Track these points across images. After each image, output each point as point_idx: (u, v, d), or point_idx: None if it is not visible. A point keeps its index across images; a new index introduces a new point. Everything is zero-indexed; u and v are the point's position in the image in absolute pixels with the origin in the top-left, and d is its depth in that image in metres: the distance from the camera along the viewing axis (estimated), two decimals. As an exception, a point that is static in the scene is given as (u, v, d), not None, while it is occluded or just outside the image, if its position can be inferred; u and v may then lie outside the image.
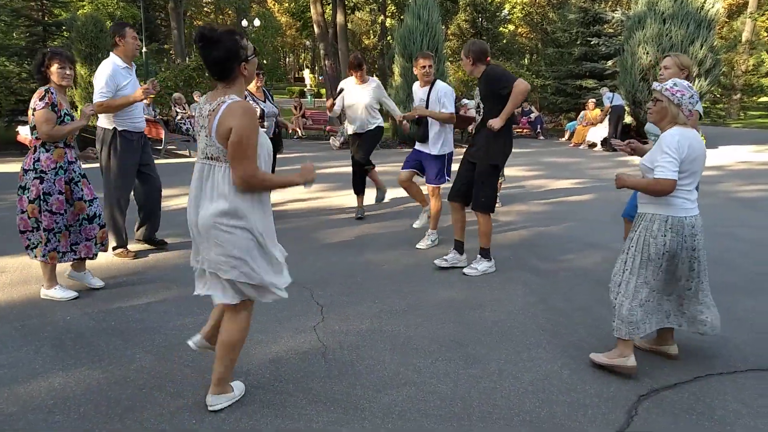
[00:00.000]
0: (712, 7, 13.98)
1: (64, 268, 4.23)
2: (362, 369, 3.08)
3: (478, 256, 4.68)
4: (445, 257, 4.79)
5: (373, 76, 6.47)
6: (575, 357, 3.23)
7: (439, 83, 5.27)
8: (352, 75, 6.21)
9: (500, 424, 2.61)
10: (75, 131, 3.92)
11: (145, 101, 5.24)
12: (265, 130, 5.95)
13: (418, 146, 5.43)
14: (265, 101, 6.07)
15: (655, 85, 2.98)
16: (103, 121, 4.78)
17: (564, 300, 4.12)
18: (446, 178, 5.39)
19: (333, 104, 6.24)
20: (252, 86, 6.02)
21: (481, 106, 4.62)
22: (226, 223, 2.42)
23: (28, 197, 3.81)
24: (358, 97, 6.17)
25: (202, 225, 2.47)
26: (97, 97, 4.61)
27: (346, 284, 4.40)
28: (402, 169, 5.58)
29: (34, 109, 3.78)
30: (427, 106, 5.21)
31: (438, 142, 5.28)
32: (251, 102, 5.83)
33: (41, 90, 3.81)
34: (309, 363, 3.13)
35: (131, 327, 3.56)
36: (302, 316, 3.75)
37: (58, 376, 2.94)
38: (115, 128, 4.73)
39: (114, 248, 4.94)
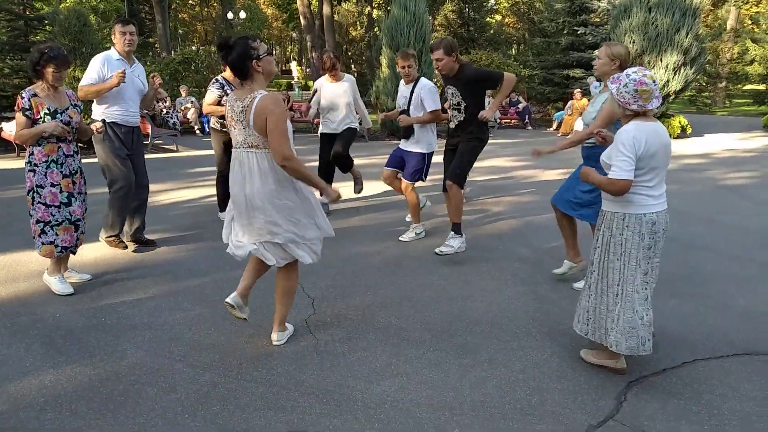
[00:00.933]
0: (697, -5, 14.05)
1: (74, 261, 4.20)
2: (354, 360, 3.10)
3: (451, 233, 4.68)
4: (448, 243, 4.67)
5: (346, 73, 6.21)
6: (565, 345, 3.27)
7: (421, 81, 5.08)
8: (325, 74, 6.04)
9: (491, 412, 2.63)
10: (40, 134, 3.82)
11: (161, 101, 5.27)
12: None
13: (401, 144, 5.34)
14: None
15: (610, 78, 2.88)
16: (96, 113, 4.79)
17: (552, 289, 4.16)
18: (423, 177, 5.26)
19: (308, 107, 6.09)
20: (229, 74, 5.71)
21: (462, 104, 4.59)
22: (276, 197, 2.91)
23: (25, 190, 3.93)
24: (337, 95, 5.97)
25: (252, 202, 2.91)
26: (82, 82, 4.67)
27: (336, 277, 4.41)
28: (385, 166, 5.45)
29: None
30: (409, 104, 5.10)
31: (420, 140, 5.15)
32: (228, 89, 5.69)
33: (22, 92, 3.86)
34: (301, 355, 3.15)
35: (122, 323, 3.55)
36: (294, 309, 3.75)
37: (49, 373, 2.93)
38: (104, 119, 4.73)
39: (108, 237, 4.98)
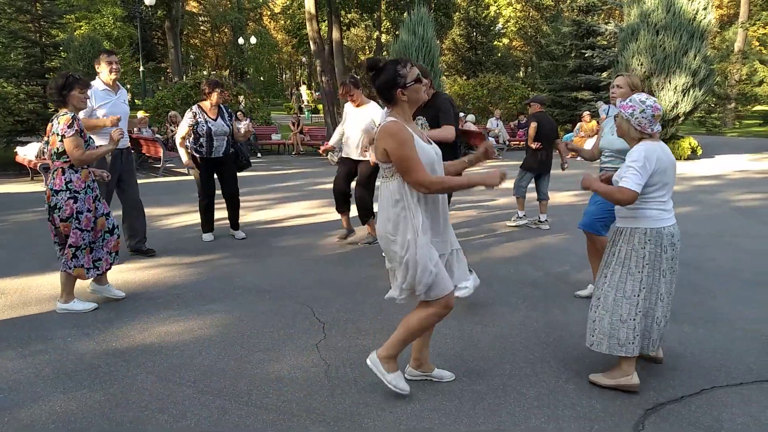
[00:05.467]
0: (704, 18, 14.12)
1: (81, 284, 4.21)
2: (366, 386, 3.06)
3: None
4: (464, 284, 4.24)
5: (372, 101, 5.98)
6: (578, 371, 3.21)
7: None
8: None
9: (506, 440, 2.58)
10: (106, 154, 4.09)
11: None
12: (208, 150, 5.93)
13: None
14: (216, 119, 5.90)
15: (617, 102, 3.09)
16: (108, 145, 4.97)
17: (564, 313, 4.11)
18: None
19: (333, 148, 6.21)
20: (207, 103, 5.93)
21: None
22: (390, 233, 2.72)
23: (59, 216, 3.98)
24: (354, 121, 5.90)
25: (379, 236, 2.81)
26: None
27: (346, 301, 4.38)
28: None
29: (63, 136, 3.90)
30: None
31: None
32: (200, 118, 5.84)
33: (68, 117, 3.95)
34: (312, 381, 3.11)
35: (132, 347, 3.53)
36: (304, 334, 3.73)
37: (59, 399, 2.92)
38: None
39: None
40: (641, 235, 2.92)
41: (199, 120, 5.85)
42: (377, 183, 2.83)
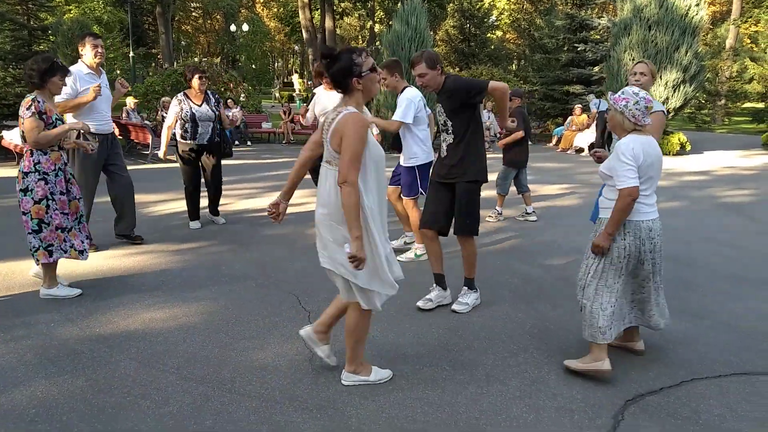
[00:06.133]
0: (697, 14, 14.16)
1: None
2: (349, 375, 3.06)
3: (464, 288, 4.11)
4: (428, 297, 4.10)
5: None
6: (561, 362, 3.23)
7: (407, 91, 4.88)
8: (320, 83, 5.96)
9: (487, 430, 2.60)
10: (62, 136, 4.03)
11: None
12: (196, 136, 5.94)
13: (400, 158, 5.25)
14: (201, 105, 5.92)
15: (609, 95, 3.08)
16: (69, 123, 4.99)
17: (550, 306, 4.14)
18: (419, 191, 5.05)
19: (306, 110, 6.05)
20: (192, 90, 5.95)
21: (448, 123, 3.93)
22: (336, 221, 2.70)
23: (32, 198, 3.92)
24: (327, 104, 5.76)
25: (317, 222, 2.80)
26: (57, 98, 4.77)
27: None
28: (389, 184, 5.36)
29: (23, 118, 3.89)
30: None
31: (406, 153, 5.03)
32: (185, 104, 5.88)
33: (28, 99, 3.92)
34: (296, 370, 3.12)
35: (115, 333, 3.52)
36: (289, 323, 3.74)
37: (41, 384, 2.90)
38: (85, 134, 4.96)
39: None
40: (620, 227, 2.96)
41: (183, 106, 5.89)
42: (321, 167, 2.78)
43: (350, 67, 2.64)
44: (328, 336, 3.13)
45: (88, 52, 5.03)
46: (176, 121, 5.94)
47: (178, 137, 6.03)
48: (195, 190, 6.17)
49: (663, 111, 3.70)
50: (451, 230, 4.11)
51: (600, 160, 3.45)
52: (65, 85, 4.14)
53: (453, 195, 4.00)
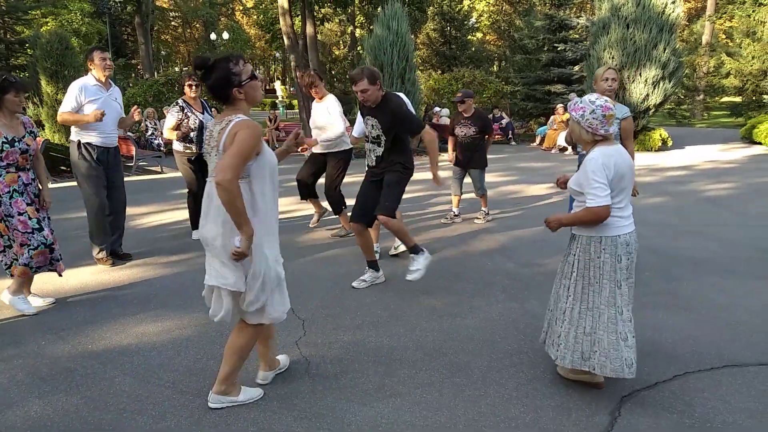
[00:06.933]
0: (673, 11, 14.36)
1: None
2: (347, 382, 3.07)
3: (411, 256, 4.33)
4: (362, 278, 4.62)
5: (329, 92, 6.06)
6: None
7: (401, 96, 4.80)
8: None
9: (487, 431, 2.62)
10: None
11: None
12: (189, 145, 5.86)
13: None
14: (203, 113, 5.90)
15: (570, 103, 2.88)
16: (72, 135, 5.06)
17: (541, 304, 4.16)
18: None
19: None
20: (189, 96, 5.87)
21: (381, 139, 4.34)
22: (225, 242, 2.54)
23: None
24: (315, 116, 5.98)
25: (203, 239, 2.63)
26: (61, 109, 4.94)
27: (325, 297, 4.38)
28: None
29: None
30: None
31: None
32: (188, 112, 5.79)
33: None
34: (293, 379, 3.11)
35: (109, 349, 3.49)
36: (284, 331, 3.73)
37: (35, 403, 2.87)
38: (79, 140, 5.00)
39: (97, 253, 5.18)
40: (596, 244, 2.78)
41: (188, 114, 5.79)
42: (209, 182, 2.61)
43: (228, 77, 2.51)
44: (274, 360, 3.12)
45: (97, 66, 4.98)
46: (178, 125, 5.78)
47: (179, 147, 5.89)
48: (198, 198, 6.15)
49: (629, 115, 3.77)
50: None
51: (564, 184, 3.14)
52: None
53: (380, 189, 4.43)
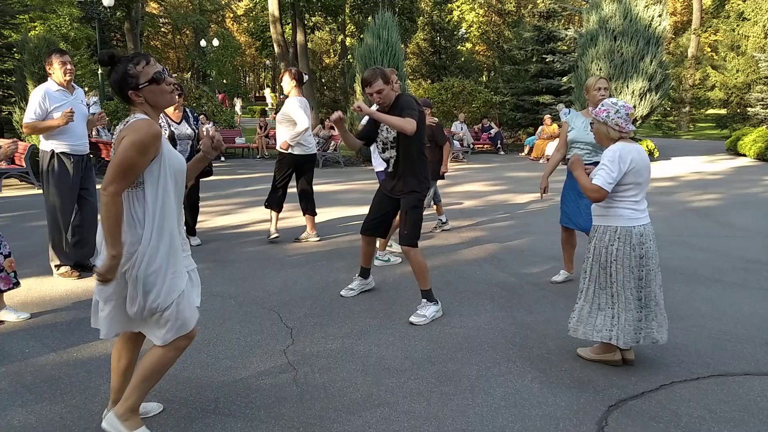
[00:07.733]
0: (660, 24, 14.58)
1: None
2: (335, 391, 3.05)
3: (423, 300, 4.12)
4: (350, 286, 4.60)
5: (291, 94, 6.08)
6: (544, 370, 3.28)
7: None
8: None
9: (474, 441, 2.61)
10: None
11: (99, 125, 5.25)
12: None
13: None
14: (180, 123, 5.83)
15: (590, 110, 3.33)
16: (44, 144, 4.84)
17: (529, 313, 4.18)
18: None
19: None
20: (170, 108, 5.84)
21: (396, 139, 4.11)
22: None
23: None
24: (281, 113, 6.15)
25: (98, 246, 2.45)
26: (26, 119, 4.73)
27: (314, 305, 4.37)
28: None
29: None
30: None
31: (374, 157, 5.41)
32: (163, 122, 5.71)
33: None
34: (280, 388, 3.09)
35: (93, 357, 3.45)
36: (272, 340, 3.71)
37: (18, 413, 2.82)
38: (52, 150, 4.81)
39: (57, 266, 4.99)
40: (611, 233, 3.12)
41: (162, 124, 5.75)
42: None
43: (124, 78, 2.29)
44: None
45: (56, 71, 4.75)
46: None
47: None
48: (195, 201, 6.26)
49: None
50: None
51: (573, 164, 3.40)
52: None
53: (397, 206, 4.27)
